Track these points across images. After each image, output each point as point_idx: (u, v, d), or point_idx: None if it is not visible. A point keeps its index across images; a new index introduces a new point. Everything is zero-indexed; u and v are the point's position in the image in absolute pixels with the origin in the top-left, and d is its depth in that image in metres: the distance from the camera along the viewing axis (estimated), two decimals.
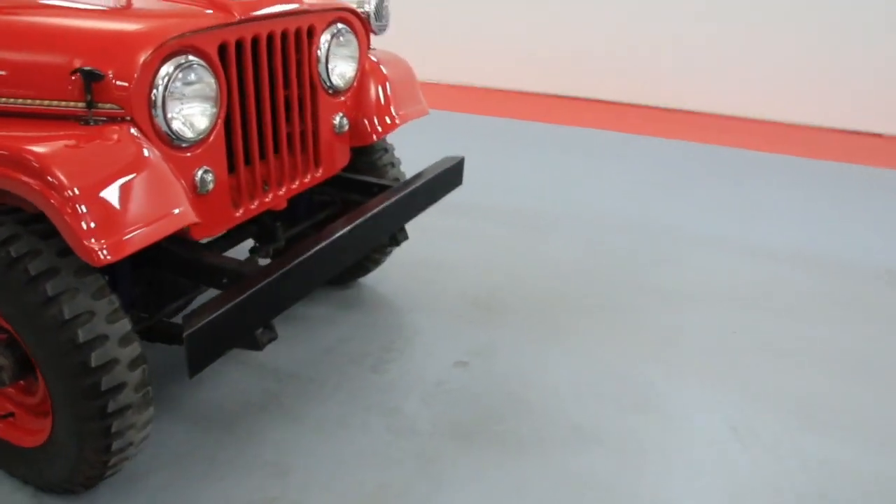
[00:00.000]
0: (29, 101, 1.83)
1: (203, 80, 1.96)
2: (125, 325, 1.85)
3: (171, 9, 2.03)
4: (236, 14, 2.06)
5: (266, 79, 2.24)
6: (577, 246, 3.81)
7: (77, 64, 1.77)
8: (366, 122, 2.71)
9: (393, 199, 2.51)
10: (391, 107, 2.78)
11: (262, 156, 2.32)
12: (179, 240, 2.12)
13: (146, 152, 1.81)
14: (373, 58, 2.80)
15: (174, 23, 1.90)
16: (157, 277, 2.35)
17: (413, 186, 2.63)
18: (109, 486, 2.15)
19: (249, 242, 2.72)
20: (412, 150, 3.61)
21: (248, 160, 2.27)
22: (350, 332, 2.92)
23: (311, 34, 2.40)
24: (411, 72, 2.95)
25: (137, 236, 1.71)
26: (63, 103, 1.81)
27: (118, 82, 1.78)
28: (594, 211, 4.28)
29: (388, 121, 2.76)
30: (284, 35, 2.28)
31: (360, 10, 2.78)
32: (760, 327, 3.12)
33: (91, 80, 1.75)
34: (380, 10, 2.83)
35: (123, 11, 2.02)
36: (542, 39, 7.25)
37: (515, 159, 5.31)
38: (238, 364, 2.70)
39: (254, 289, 1.86)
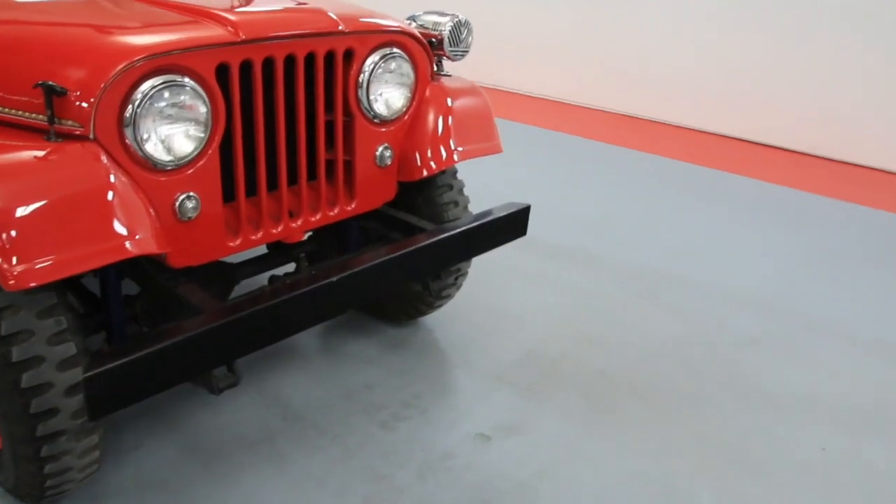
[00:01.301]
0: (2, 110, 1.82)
1: (187, 102, 1.85)
2: (69, 348, 1.77)
3: (166, 22, 1.93)
4: (241, 34, 1.92)
5: (281, 103, 2.09)
6: (675, 317, 3.29)
7: (42, 76, 1.73)
8: (417, 155, 2.48)
9: (418, 245, 2.27)
10: (450, 141, 2.53)
11: (273, 185, 2.18)
12: (158, 264, 2.04)
13: (105, 174, 1.72)
14: (441, 84, 2.56)
15: (157, 40, 1.80)
16: (162, 293, 2.29)
17: (452, 232, 2.37)
18: (71, 500, 2.11)
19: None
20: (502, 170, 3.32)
21: (254, 188, 2.14)
22: (379, 378, 2.71)
23: (350, 57, 2.22)
24: (485, 103, 2.68)
25: (63, 264, 1.61)
26: (31, 115, 1.77)
27: (79, 100, 1.71)
28: (714, 277, 3.70)
29: (444, 156, 2.51)
30: (313, 57, 2.12)
31: (434, 33, 2.57)
32: (862, 452, 2.48)
33: (52, 94, 1.69)
34: (456, 35, 2.59)
35: (111, 24, 1.95)
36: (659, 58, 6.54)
37: (627, 196, 4.77)
38: (253, 391, 2.59)
39: (183, 336, 1.71)
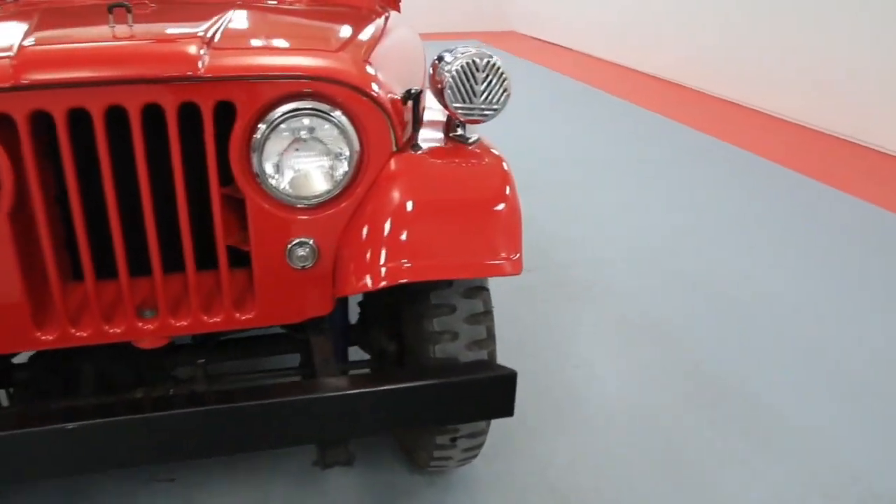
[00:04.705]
0: None
1: None
2: None
3: None
4: (21, 78, 1.41)
5: (107, 171, 1.53)
6: None
7: None
8: (355, 260, 1.66)
9: (271, 401, 1.53)
10: (418, 245, 1.64)
11: (108, 272, 1.64)
12: None
13: None
14: (423, 157, 1.68)
15: None
16: None
17: (345, 392, 1.55)
18: None
19: None
20: None
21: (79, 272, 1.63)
22: None
23: (231, 112, 1.53)
24: (507, 195, 1.68)
25: None
26: None
27: None
28: None
29: (405, 266, 1.64)
30: (159, 110, 1.51)
31: (436, 79, 1.70)
32: None
33: None
34: (465, 85, 1.67)
35: None
36: None
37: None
38: (182, 499, 2.11)
39: None
